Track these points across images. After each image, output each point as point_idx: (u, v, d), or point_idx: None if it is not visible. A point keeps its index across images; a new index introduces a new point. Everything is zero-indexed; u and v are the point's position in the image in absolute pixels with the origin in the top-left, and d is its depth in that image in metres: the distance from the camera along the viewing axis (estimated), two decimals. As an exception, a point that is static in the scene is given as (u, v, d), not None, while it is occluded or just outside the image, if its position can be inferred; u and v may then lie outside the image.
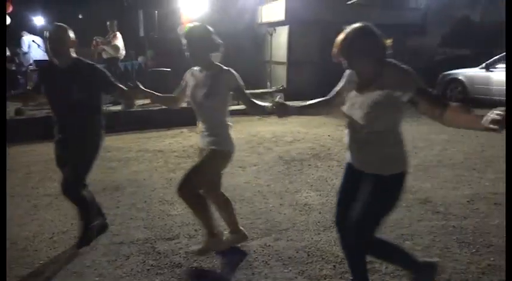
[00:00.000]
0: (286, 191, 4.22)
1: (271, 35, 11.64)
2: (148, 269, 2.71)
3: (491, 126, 1.57)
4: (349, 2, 12.44)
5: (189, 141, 6.47)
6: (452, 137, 6.34)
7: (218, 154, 2.64)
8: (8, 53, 10.64)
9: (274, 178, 4.64)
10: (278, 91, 10.68)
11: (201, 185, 2.68)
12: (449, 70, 10.86)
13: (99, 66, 3.14)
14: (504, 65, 9.47)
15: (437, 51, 18.12)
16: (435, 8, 18.31)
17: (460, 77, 10.32)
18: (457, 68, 10.67)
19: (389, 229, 3.17)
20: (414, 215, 3.53)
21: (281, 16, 11.22)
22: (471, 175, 4.60)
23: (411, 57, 15.59)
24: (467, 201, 3.82)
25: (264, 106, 2.48)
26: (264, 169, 5.02)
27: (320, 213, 3.64)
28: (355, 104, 2.00)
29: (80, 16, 16.25)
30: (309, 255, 2.88)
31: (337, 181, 4.38)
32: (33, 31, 13.37)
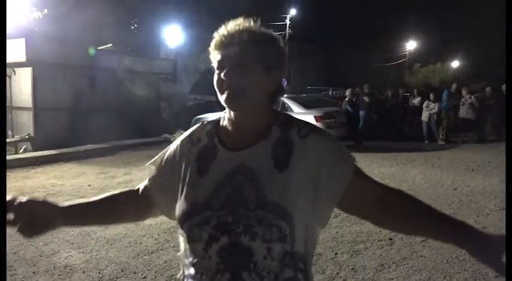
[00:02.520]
0: (41, 256, 3.62)
1: (9, 77, 10.14)
2: None
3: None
4: (100, 48, 12.36)
5: None
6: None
7: None
8: None
9: (24, 242, 3.91)
10: (23, 140, 9.29)
11: None
12: (200, 114, 12.12)
13: None
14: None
15: (189, 98, 19.99)
16: (183, 60, 20.31)
17: (209, 120, 11.64)
18: (207, 112, 12.04)
19: None
20: (182, 253, 3.62)
21: (22, 57, 9.97)
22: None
23: (166, 103, 16.72)
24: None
25: None
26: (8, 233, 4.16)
27: (84, 272, 3.26)
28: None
29: None
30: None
31: (102, 232, 4.07)
32: None
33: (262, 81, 0.96)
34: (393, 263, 3.36)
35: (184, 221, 0.95)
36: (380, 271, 3.23)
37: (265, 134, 0.98)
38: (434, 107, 11.59)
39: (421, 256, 3.48)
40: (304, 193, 0.92)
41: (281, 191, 0.91)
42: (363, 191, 0.99)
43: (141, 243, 3.90)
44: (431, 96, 11.91)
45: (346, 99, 11.62)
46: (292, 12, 31.44)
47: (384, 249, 3.65)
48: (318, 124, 9.75)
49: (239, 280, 0.88)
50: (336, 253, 3.56)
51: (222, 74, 0.94)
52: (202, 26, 22.62)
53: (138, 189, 1.12)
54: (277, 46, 1.00)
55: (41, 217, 1.01)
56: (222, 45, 0.96)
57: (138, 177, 6.85)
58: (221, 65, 0.95)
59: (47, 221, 1.03)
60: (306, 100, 11.66)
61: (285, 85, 1.06)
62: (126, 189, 1.14)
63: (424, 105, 11.78)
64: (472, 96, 11.65)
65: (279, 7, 31.45)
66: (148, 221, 4.49)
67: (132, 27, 18.11)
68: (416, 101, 13.09)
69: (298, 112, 10.10)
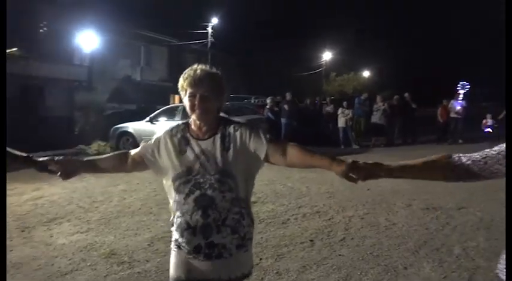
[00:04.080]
0: None
1: None
2: None
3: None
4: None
5: None
6: (129, 186, 6.68)
7: None
8: None
9: None
10: None
11: None
12: (119, 123, 11.56)
13: None
14: (165, 118, 11.01)
15: (107, 106, 19.00)
16: (100, 67, 19.24)
17: (129, 130, 11.16)
18: (127, 122, 11.53)
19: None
20: (100, 272, 3.41)
21: None
22: (149, 218, 4.95)
23: (82, 112, 15.70)
24: (148, 244, 4.07)
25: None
26: None
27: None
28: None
29: None
30: None
31: (7, 256, 3.66)
32: None
33: (215, 104, 1.69)
34: (314, 263, 3.49)
35: (175, 180, 1.68)
36: (302, 272, 3.33)
37: (216, 131, 1.69)
38: (349, 113, 12.39)
39: (339, 255, 3.66)
40: (240, 161, 1.66)
41: (227, 162, 1.65)
42: (275, 149, 1.64)
43: (52, 265, 3.58)
44: (345, 103, 12.74)
45: (268, 107, 11.94)
46: (214, 21, 31.54)
47: (306, 251, 3.78)
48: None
49: (206, 214, 1.63)
50: (261, 259, 3.60)
51: (196, 101, 1.64)
52: (120, 31, 21.76)
53: (129, 152, 1.86)
54: (222, 81, 1.72)
55: (70, 168, 1.80)
56: (193, 84, 1.64)
57: (49, 193, 6.32)
58: (192, 95, 1.65)
59: (74, 170, 1.81)
60: (229, 108, 11.74)
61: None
62: (123, 151, 1.90)
63: (339, 112, 12.53)
64: (386, 103, 12.67)
65: (201, 16, 31.40)
66: (61, 240, 4.15)
67: (41, 31, 16.75)
68: (329, 108, 13.90)
69: (221, 120, 10.12)
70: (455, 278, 3.18)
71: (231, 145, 1.66)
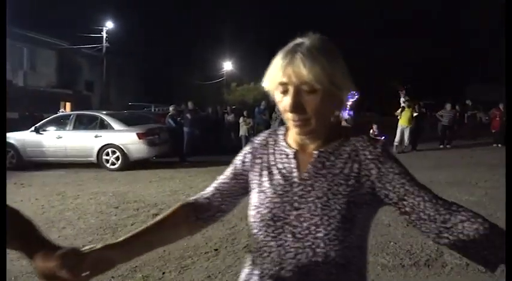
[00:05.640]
0: None
1: None
2: None
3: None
4: None
5: None
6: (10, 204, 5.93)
7: None
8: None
9: None
10: None
11: None
12: (-3, 134, 10.23)
13: None
14: (54, 128, 10.06)
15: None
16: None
17: (11, 141, 9.94)
18: (7, 132, 10.24)
19: None
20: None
21: None
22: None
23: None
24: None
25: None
26: None
27: None
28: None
29: None
30: None
31: None
32: None
33: None
34: (219, 272, 3.47)
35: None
36: (207, 283, 3.30)
37: None
38: (250, 122, 12.73)
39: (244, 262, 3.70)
40: None
41: None
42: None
43: None
44: (245, 112, 13.09)
45: (169, 115, 11.68)
46: (109, 25, 29.94)
47: (211, 260, 3.75)
48: (141, 141, 9.47)
49: None
50: (164, 272, 3.48)
51: None
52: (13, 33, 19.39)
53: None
54: None
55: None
56: None
57: None
58: None
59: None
60: (127, 117, 11.20)
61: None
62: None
63: (241, 120, 12.81)
64: (282, 113, 13.28)
65: (94, 19, 29.57)
66: None
67: None
68: (230, 117, 14.15)
69: (118, 129, 9.60)
70: None
71: None
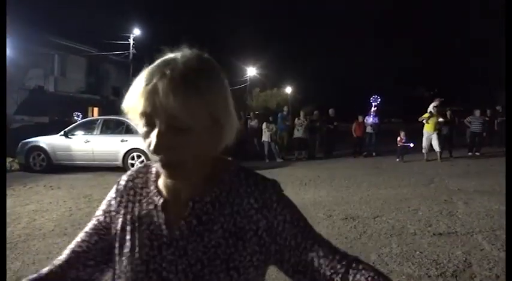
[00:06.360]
0: None
1: None
2: None
3: None
4: None
5: None
6: (39, 206, 6.12)
7: None
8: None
9: None
10: None
11: None
12: (29, 138, 10.59)
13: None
14: (82, 132, 10.35)
15: (15, 119, 17.39)
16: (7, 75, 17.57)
17: (41, 145, 10.28)
18: (37, 136, 10.60)
19: None
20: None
21: None
22: (63, 241, 4.56)
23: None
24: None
25: None
26: None
27: None
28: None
29: None
30: None
31: None
32: None
33: None
34: None
35: None
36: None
37: None
38: (273, 128, 12.72)
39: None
40: None
41: None
42: None
43: None
44: (270, 118, 13.09)
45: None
46: (136, 32, 30.66)
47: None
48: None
49: None
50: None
51: None
52: (30, 37, 20.16)
53: None
54: None
55: None
56: None
57: None
58: None
59: None
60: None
61: None
62: None
63: (264, 126, 12.80)
64: (308, 118, 13.22)
65: (122, 26, 30.34)
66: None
67: None
68: (253, 122, 14.19)
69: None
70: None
71: None
